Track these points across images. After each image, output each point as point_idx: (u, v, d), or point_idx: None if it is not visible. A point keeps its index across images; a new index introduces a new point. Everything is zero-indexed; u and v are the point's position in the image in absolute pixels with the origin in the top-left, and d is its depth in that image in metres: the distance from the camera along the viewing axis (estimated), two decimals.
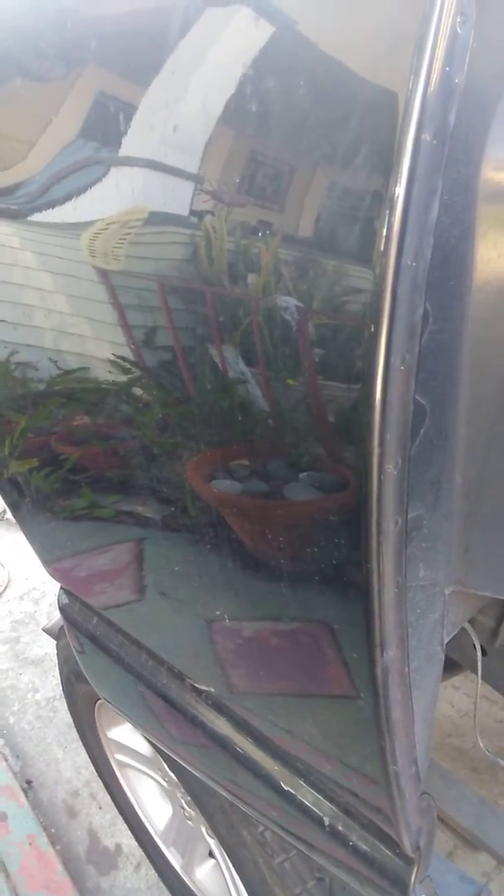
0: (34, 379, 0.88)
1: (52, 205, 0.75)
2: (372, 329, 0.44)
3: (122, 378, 0.74)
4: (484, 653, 1.20)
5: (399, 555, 0.52)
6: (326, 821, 0.83)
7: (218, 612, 0.79)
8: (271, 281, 0.53)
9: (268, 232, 0.53)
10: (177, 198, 0.60)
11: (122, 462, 0.81)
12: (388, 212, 0.41)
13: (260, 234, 0.53)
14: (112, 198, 0.67)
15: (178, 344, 0.66)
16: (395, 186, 0.40)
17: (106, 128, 0.66)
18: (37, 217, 0.77)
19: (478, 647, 1.17)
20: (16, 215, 0.80)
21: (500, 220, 0.54)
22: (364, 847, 0.80)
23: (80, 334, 0.78)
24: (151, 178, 0.63)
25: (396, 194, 0.40)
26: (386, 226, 0.41)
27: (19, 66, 0.79)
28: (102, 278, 0.71)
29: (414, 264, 0.42)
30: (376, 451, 0.47)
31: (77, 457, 0.90)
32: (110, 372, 0.75)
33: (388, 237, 0.41)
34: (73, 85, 0.72)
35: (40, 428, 0.93)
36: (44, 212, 0.76)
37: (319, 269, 0.50)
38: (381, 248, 0.41)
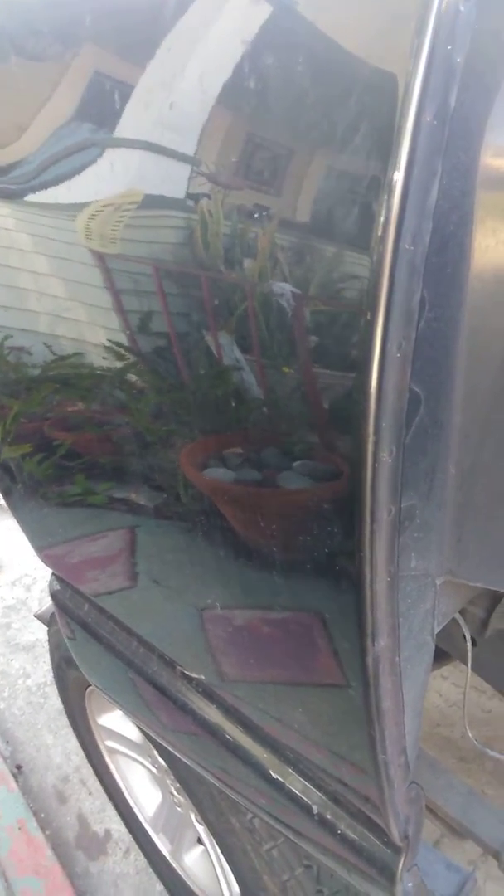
0: (28, 364, 0.87)
1: (46, 186, 0.74)
2: (368, 314, 0.43)
3: (116, 364, 0.73)
4: (474, 643, 1.20)
5: (392, 544, 0.52)
6: (315, 809, 0.83)
7: (210, 601, 0.79)
8: (267, 266, 0.53)
9: (264, 215, 0.52)
10: (172, 179, 0.59)
11: (116, 449, 0.80)
12: (386, 193, 0.40)
13: (256, 217, 0.53)
14: (107, 179, 0.66)
15: (173, 330, 0.66)
16: (394, 167, 0.40)
17: (101, 107, 0.65)
18: (31, 198, 0.76)
19: (468, 638, 1.17)
20: (10, 196, 0.78)
21: (499, 208, 0.53)
22: (352, 835, 0.80)
23: (75, 319, 0.77)
24: (147, 159, 0.62)
25: (395, 175, 0.40)
26: (384, 208, 0.40)
27: (13, 44, 0.77)
28: (97, 261, 0.70)
29: (412, 248, 0.41)
30: (371, 438, 0.46)
31: (70, 443, 0.89)
32: (104, 357, 0.74)
33: (386, 219, 0.40)
34: (68, 63, 0.71)
35: (33, 413, 0.93)
36: (38, 193, 0.75)
37: (315, 252, 0.49)
38: (380, 230, 0.41)
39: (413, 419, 0.53)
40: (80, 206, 0.70)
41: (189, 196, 0.58)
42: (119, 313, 0.71)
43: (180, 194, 0.59)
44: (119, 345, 0.72)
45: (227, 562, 0.73)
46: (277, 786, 0.87)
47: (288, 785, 0.86)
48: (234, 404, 0.62)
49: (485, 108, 0.49)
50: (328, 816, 0.83)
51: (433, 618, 0.74)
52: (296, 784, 0.86)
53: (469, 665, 1.18)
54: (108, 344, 0.73)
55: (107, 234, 0.67)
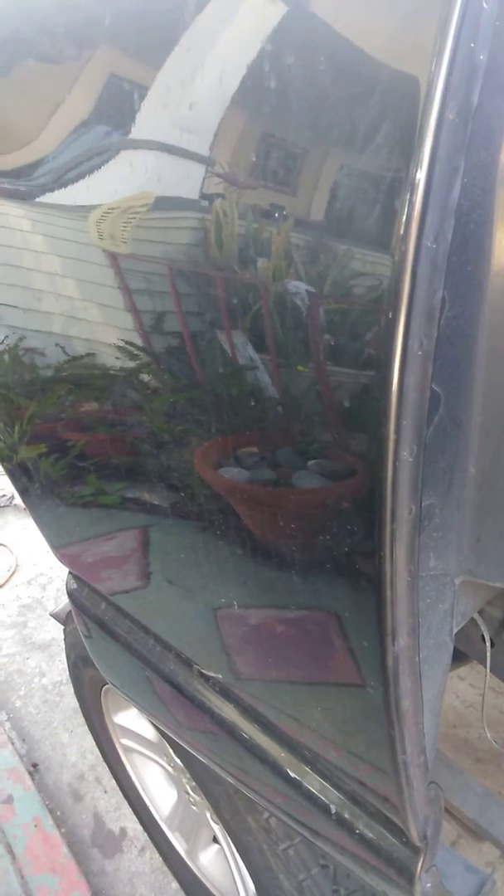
0: (42, 365, 0.88)
1: (61, 187, 0.75)
2: (390, 313, 0.43)
3: (131, 364, 0.74)
4: (492, 644, 1.20)
5: (412, 543, 0.52)
6: (333, 808, 0.83)
7: (226, 600, 0.79)
8: (282, 265, 0.53)
9: (281, 213, 0.52)
10: (192, 179, 0.59)
11: (131, 449, 0.81)
12: (408, 191, 0.40)
13: (272, 216, 0.53)
14: (123, 180, 0.67)
15: (187, 329, 0.66)
16: (417, 165, 0.39)
17: (116, 108, 0.65)
18: (46, 199, 0.77)
19: (487, 639, 1.17)
20: (26, 197, 0.79)
21: None
22: (370, 835, 0.80)
23: (89, 319, 0.78)
24: (163, 160, 0.62)
25: (418, 173, 0.39)
26: (407, 205, 0.40)
27: (31, 47, 0.78)
28: (111, 262, 0.71)
29: (434, 246, 0.41)
30: (392, 436, 0.46)
31: (85, 443, 0.90)
32: (118, 358, 0.74)
33: (408, 217, 0.40)
34: (84, 65, 0.71)
35: (49, 414, 0.93)
36: (53, 194, 0.76)
37: (335, 251, 0.49)
38: (402, 228, 0.40)
39: (432, 418, 0.53)
40: (98, 207, 0.70)
41: (209, 196, 0.58)
42: (135, 313, 0.71)
43: (200, 194, 0.59)
44: (135, 345, 0.72)
45: (243, 560, 0.73)
46: (295, 785, 0.87)
47: (306, 784, 0.86)
48: (250, 404, 0.62)
49: None
50: (346, 816, 0.82)
51: (452, 618, 0.74)
52: (314, 783, 0.85)
53: (488, 666, 1.18)
54: (122, 344, 0.73)
55: (122, 234, 0.67)
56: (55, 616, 1.87)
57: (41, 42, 0.77)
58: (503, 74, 0.47)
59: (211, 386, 0.65)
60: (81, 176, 0.72)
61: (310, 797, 0.86)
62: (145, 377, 0.74)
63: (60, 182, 0.75)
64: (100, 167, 0.69)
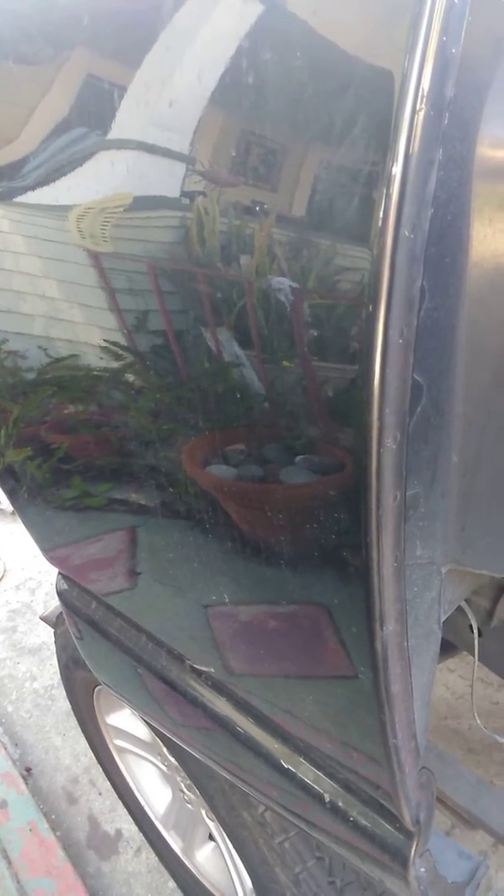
0: (25, 368, 0.88)
1: (41, 186, 0.75)
2: (370, 303, 0.44)
3: (115, 364, 0.74)
4: (480, 634, 1.21)
5: (398, 529, 0.53)
6: (327, 797, 0.84)
7: (217, 596, 0.80)
8: (266, 261, 0.53)
9: (262, 209, 0.53)
10: (174, 176, 0.59)
11: (118, 449, 0.81)
12: (385, 183, 0.41)
13: (253, 212, 0.53)
14: (104, 179, 0.67)
15: (171, 328, 0.66)
16: (393, 157, 0.40)
17: (96, 107, 0.66)
18: (26, 199, 0.77)
19: (474, 628, 1.18)
20: (4, 197, 0.79)
21: (496, 197, 0.54)
22: (364, 822, 0.81)
23: (71, 320, 0.78)
24: (143, 158, 0.62)
25: (394, 165, 0.40)
26: (384, 196, 0.41)
27: (9, 48, 0.78)
28: (95, 261, 0.71)
29: (412, 236, 0.42)
30: (375, 424, 0.47)
31: (73, 445, 0.90)
32: (102, 358, 0.75)
33: (385, 209, 0.41)
34: (64, 65, 0.72)
35: (34, 417, 0.93)
36: (34, 194, 0.76)
37: (315, 246, 0.50)
38: (380, 219, 0.41)
39: (415, 408, 0.54)
40: (79, 206, 0.71)
41: (191, 194, 0.59)
42: (117, 313, 0.71)
43: (181, 192, 0.59)
44: (119, 345, 0.72)
45: (233, 556, 0.74)
46: (289, 776, 0.88)
47: (300, 775, 0.87)
48: (235, 401, 0.62)
49: (479, 99, 0.49)
50: (340, 804, 0.83)
51: (439, 606, 0.75)
52: (307, 774, 0.86)
53: (476, 655, 1.19)
54: (106, 344, 0.74)
55: (105, 233, 0.68)
56: (45, 619, 1.86)
57: (19, 43, 0.77)
58: (476, 68, 0.48)
59: (197, 384, 0.66)
60: (62, 175, 0.72)
61: (304, 787, 0.87)
62: (130, 377, 0.74)
63: (41, 182, 0.75)
64: (81, 166, 0.70)
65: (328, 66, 0.46)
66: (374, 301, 0.44)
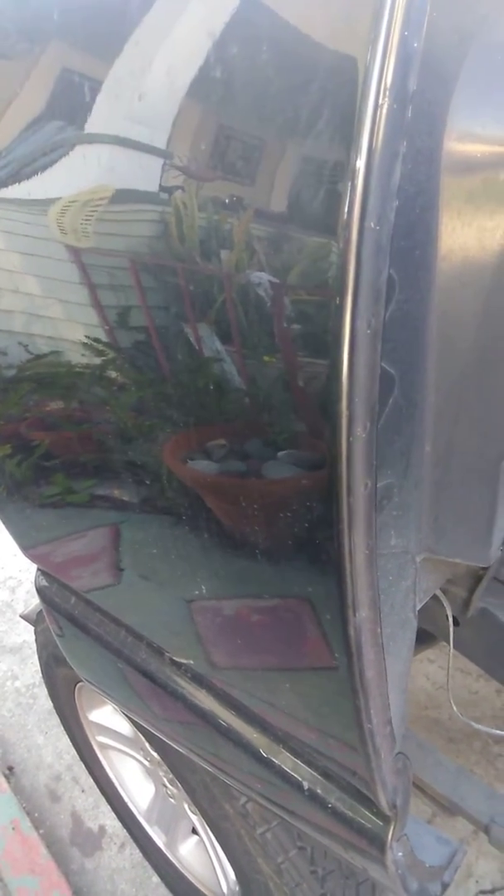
0: (5, 364, 0.88)
1: (18, 182, 0.75)
2: (337, 294, 0.45)
3: (96, 360, 0.74)
4: (456, 623, 1.23)
5: (369, 517, 0.54)
6: (305, 785, 0.85)
7: (198, 590, 0.80)
8: (244, 256, 0.54)
9: (236, 203, 0.53)
10: (145, 172, 0.60)
11: (99, 446, 0.81)
12: (350, 175, 0.42)
13: (228, 206, 0.54)
14: (80, 173, 0.67)
15: (152, 323, 0.67)
16: (357, 150, 0.41)
17: (70, 101, 0.66)
18: (2, 195, 0.77)
19: (450, 618, 1.20)
20: None
21: (463, 190, 0.55)
22: (342, 809, 0.82)
23: (51, 316, 0.78)
24: (118, 153, 0.63)
25: (357, 158, 0.41)
26: (349, 189, 0.42)
27: None
28: (73, 257, 0.71)
29: (378, 228, 0.43)
30: (345, 413, 0.48)
31: (53, 442, 0.90)
32: (83, 354, 0.75)
33: (350, 200, 0.42)
34: (36, 59, 0.72)
35: (14, 414, 0.93)
36: (9, 189, 0.76)
37: (286, 239, 0.51)
38: (345, 211, 0.42)
39: (387, 399, 0.55)
40: (53, 202, 0.70)
41: (164, 188, 0.59)
42: (98, 309, 0.71)
43: (155, 187, 0.60)
44: (100, 341, 0.72)
45: (212, 551, 0.74)
46: (269, 765, 0.89)
47: (279, 763, 0.88)
48: (216, 395, 0.63)
49: (445, 93, 0.50)
50: (319, 792, 0.84)
51: (415, 594, 0.76)
52: (286, 762, 0.87)
53: (451, 644, 1.21)
54: (87, 340, 0.74)
55: (81, 228, 0.68)
56: (25, 617, 1.85)
57: None
58: (441, 62, 0.49)
59: (177, 379, 0.66)
60: (39, 171, 0.72)
61: (283, 776, 0.87)
62: (111, 373, 0.74)
63: (17, 177, 0.75)
64: (57, 161, 0.70)
65: (293, 60, 0.46)
66: (342, 292, 0.44)
